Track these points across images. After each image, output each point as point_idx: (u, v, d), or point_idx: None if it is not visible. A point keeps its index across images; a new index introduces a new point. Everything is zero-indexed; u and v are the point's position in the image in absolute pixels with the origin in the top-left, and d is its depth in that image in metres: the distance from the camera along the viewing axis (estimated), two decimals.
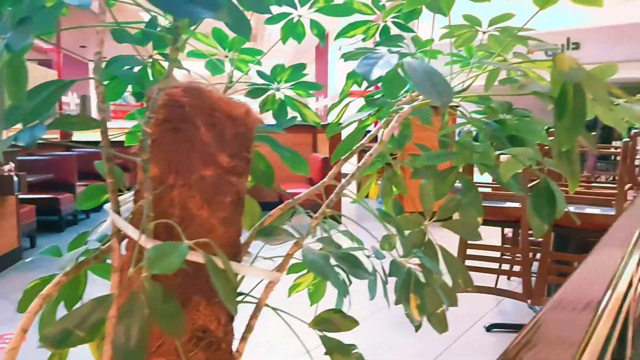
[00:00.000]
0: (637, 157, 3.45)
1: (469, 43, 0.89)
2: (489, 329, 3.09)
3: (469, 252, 3.11)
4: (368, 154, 0.70)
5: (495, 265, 3.46)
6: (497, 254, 3.54)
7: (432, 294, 0.67)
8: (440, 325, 0.68)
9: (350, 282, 0.73)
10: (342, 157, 0.87)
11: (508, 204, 3.03)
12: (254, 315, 0.63)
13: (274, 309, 0.66)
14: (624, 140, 2.46)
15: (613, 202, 2.61)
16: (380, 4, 1.02)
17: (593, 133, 3.95)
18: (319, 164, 5.76)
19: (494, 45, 0.83)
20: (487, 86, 0.90)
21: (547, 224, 0.69)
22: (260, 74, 1.00)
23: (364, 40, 1.20)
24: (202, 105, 0.60)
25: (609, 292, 0.84)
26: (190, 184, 0.59)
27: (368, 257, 0.80)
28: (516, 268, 3.53)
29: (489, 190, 3.39)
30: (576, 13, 12.72)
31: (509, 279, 3.86)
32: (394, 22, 1.12)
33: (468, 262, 3.13)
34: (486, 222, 3.20)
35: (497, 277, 3.55)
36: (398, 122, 0.68)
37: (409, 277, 0.61)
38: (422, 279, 0.68)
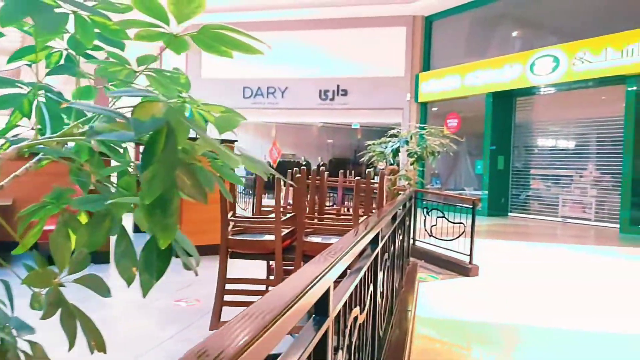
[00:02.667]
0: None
1: (130, 80, 0.84)
2: None
3: (230, 286, 3.12)
4: None
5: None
6: (263, 287, 3.63)
7: None
8: None
9: None
10: None
11: (266, 237, 3.15)
12: None
13: None
14: (357, 178, 2.80)
15: None
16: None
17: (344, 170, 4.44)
18: None
19: (154, 84, 0.80)
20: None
21: (157, 279, 0.66)
22: None
23: (47, 67, 1.07)
24: None
25: (293, 301, 0.88)
26: None
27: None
28: None
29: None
30: (346, 63, 14.54)
31: None
32: (74, 51, 1.02)
33: (229, 297, 3.13)
34: (250, 256, 3.27)
35: None
36: None
37: None
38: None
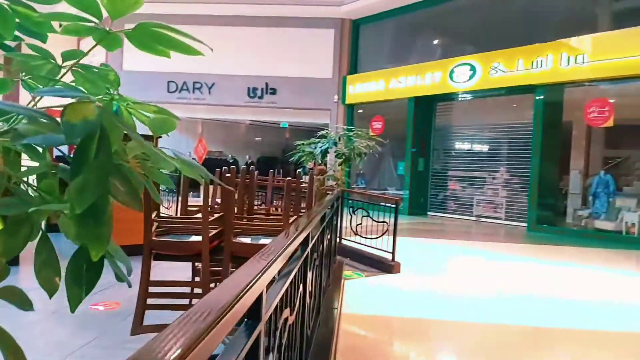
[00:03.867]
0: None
1: (55, 76, 0.78)
2: None
3: (155, 289, 3.00)
4: None
5: (186, 301, 3.43)
6: (188, 289, 3.54)
7: None
8: None
9: None
10: None
11: (193, 238, 3.06)
12: None
13: None
14: (287, 178, 2.80)
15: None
16: None
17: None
18: None
19: (80, 81, 0.75)
20: None
21: (88, 291, 0.62)
22: None
23: None
24: None
25: (229, 307, 0.87)
26: None
27: None
28: None
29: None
30: (275, 63, 14.48)
31: None
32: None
33: (152, 301, 3.01)
34: (175, 257, 3.16)
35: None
36: None
37: None
38: None
